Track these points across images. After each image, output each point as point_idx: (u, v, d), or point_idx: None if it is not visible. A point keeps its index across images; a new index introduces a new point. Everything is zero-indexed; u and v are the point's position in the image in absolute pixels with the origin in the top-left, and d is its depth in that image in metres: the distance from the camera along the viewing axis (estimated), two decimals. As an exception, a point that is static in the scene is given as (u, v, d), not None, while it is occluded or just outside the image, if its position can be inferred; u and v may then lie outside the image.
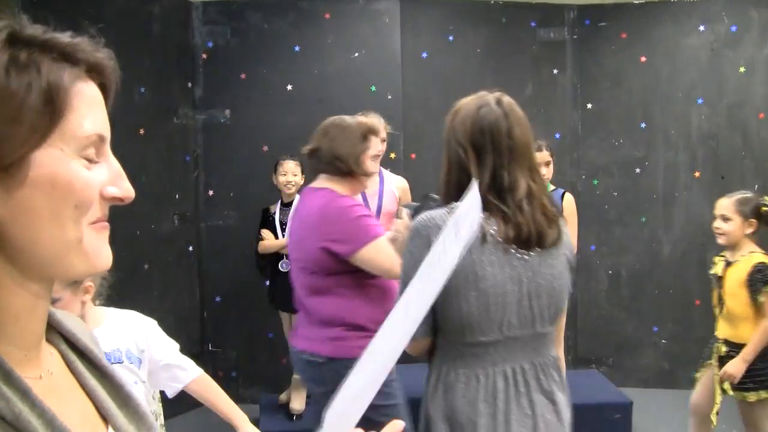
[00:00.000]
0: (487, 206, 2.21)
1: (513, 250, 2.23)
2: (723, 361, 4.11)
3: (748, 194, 4.15)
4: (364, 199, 4.81)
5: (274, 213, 5.45)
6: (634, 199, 6.44)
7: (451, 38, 6.30)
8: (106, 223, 0.94)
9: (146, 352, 2.76)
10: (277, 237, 5.37)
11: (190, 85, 5.98)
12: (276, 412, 5.42)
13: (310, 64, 6.03)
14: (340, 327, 3.17)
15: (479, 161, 2.27)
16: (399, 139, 5.83)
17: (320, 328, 3.22)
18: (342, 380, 1.12)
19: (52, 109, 0.86)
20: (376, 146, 3.45)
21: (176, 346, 2.86)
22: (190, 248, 5.98)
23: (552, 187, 5.02)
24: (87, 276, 0.93)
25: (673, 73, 6.35)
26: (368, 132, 3.36)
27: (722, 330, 4.17)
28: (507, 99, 2.38)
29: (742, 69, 6.24)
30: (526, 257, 2.25)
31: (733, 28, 6.24)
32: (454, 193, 2.28)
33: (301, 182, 5.48)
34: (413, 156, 6.12)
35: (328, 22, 6.04)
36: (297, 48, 6.03)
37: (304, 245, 3.22)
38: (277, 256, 5.32)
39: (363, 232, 3.11)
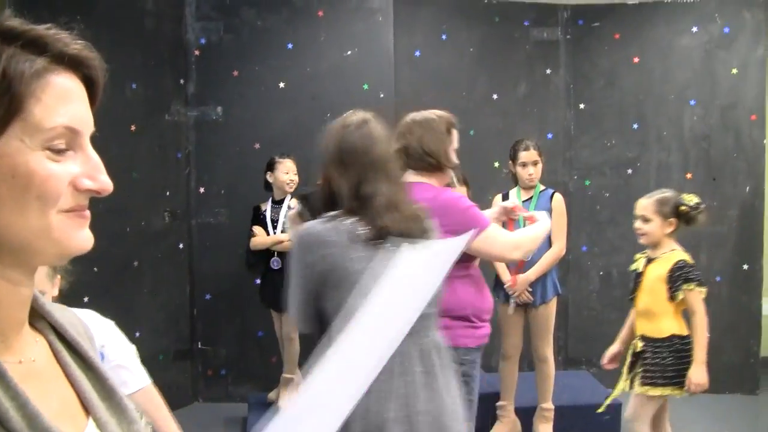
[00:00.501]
0: (354, 212, 2.55)
1: (381, 245, 2.49)
2: (638, 356, 4.09)
3: (668, 193, 4.20)
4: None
5: (266, 210, 5.44)
6: (626, 199, 6.41)
7: (444, 37, 6.30)
8: (85, 212, 0.94)
9: (105, 349, 2.73)
10: (268, 234, 5.36)
11: (182, 81, 5.96)
12: (265, 411, 5.40)
13: (303, 62, 6.01)
14: (448, 317, 3.27)
15: (342, 176, 2.57)
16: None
17: None
18: None
19: (10, 99, 0.86)
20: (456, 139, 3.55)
21: (133, 349, 2.84)
22: (181, 245, 5.95)
23: (542, 187, 5.01)
24: (62, 261, 0.94)
25: (666, 74, 6.36)
26: (450, 125, 3.47)
27: (639, 326, 4.15)
28: (371, 121, 2.74)
29: (734, 70, 6.25)
30: (394, 249, 2.39)
31: (726, 30, 6.25)
32: (329, 202, 2.61)
33: (297, 181, 5.48)
34: (405, 154, 6.11)
35: (321, 20, 6.02)
36: (290, 45, 6.02)
37: None
38: (268, 253, 5.31)
39: (476, 220, 3.23)
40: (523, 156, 4.94)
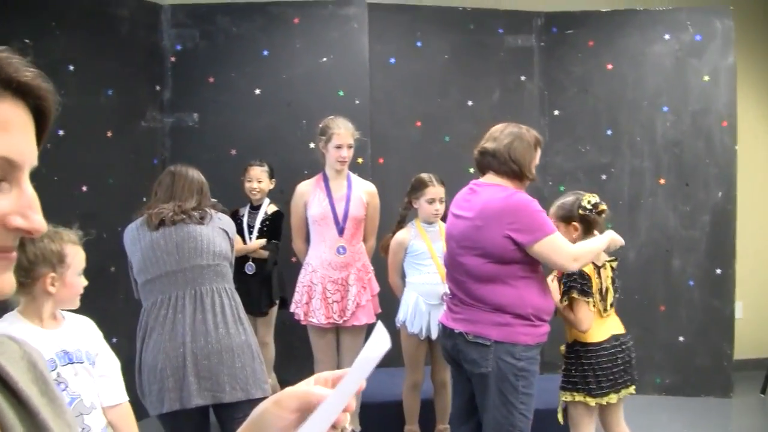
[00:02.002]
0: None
1: (157, 229, 3.60)
2: (564, 359, 4.10)
3: (568, 198, 4.06)
4: (331, 203, 4.82)
5: (243, 216, 5.45)
6: (599, 205, 6.49)
7: (419, 44, 6.34)
8: (11, 254, 0.87)
9: (98, 358, 2.74)
10: (245, 240, 5.37)
11: (158, 88, 5.95)
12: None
13: (279, 69, 6.03)
14: (510, 314, 3.52)
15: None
16: (366, 144, 5.83)
17: (489, 314, 3.55)
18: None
19: None
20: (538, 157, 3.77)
21: (118, 365, 2.85)
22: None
23: None
24: None
25: (639, 81, 6.43)
26: (538, 143, 3.71)
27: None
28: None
29: (706, 77, 6.32)
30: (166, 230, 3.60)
31: (698, 37, 6.32)
32: None
33: (267, 188, 5.49)
34: (381, 161, 6.14)
35: (296, 27, 6.04)
36: (265, 52, 6.03)
37: (481, 234, 3.53)
38: (243, 258, 5.31)
39: (543, 225, 3.48)
40: None
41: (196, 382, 3.42)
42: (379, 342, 1.12)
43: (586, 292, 3.88)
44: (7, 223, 0.84)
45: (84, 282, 2.72)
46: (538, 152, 3.72)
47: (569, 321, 3.96)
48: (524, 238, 3.44)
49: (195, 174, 3.88)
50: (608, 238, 3.83)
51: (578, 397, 3.97)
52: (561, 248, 3.50)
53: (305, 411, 1.08)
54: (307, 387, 1.12)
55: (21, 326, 2.53)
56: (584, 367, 3.95)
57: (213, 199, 4.02)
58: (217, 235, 3.69)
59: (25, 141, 0.87)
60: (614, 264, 4.15)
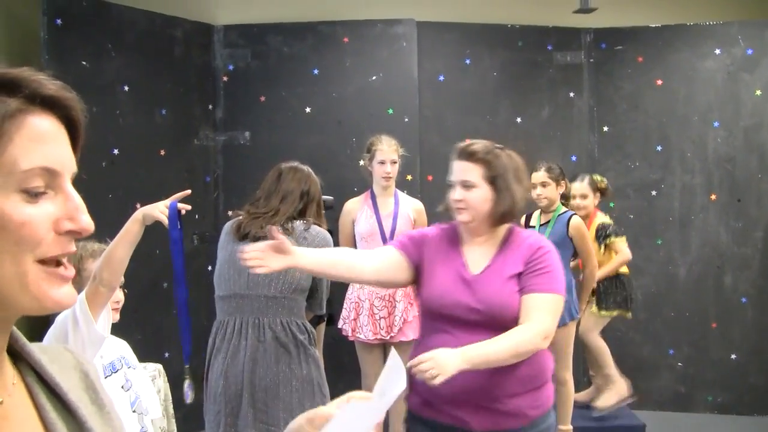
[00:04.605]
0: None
1: (241, 240, 3.48)
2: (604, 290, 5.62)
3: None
4: (378, 220, 4.86)
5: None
6: (650, 221, 6.45)
7: (467, 61, 6.37)
8: (65, 273, 0.92)
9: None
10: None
11: (210, 107, 6.07)
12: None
13: (329, 87, 6.10)
14: None
15: None
16: (415, 161, 5.88)
17: None
18: None
19: None
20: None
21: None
22: (209, 268, 6.02)
23: (561, 210, 5.00)
24: (40, 313, 0.91)
25: (690, 96, 6.38)
26: None
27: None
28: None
29: (758, 92, 6.26)
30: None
31: (749, 51, 6.27)
32: None
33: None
34: (430, 178, 6.16)
35: (346, 46, 6.12)
36: (316, 71, 6.11)
37: None
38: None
39: None
40: (532, 177, 4.95)
41: (252, 413, 3.39)
42: (395, 381, 1.18)
43: (618, 233, 5.53)
44: (58, 228, 0.89)
45: (119, 296, 2.75)
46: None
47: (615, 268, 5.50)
48: None
49: (304, 175, 3.74)
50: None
51: (615, 312, 5.56)
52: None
53: None
54: (336, 407, 1.19)
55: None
56: (626, 290, 5.58)
57: (327, 197, 3.87)
58: None
59: (61, 150, 0.92)
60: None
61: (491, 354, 2.55)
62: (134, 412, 2.74)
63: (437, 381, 2.38)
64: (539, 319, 2.65)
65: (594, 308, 5.53)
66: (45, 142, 0.89)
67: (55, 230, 0.89)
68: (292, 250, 2.63)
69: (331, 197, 4.38)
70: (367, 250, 2.93)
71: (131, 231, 2.52)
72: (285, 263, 2.62)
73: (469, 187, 2.78)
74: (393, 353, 1.19)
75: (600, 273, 5.30)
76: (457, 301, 2.71)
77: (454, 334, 2.68)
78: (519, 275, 2.72)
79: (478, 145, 2.88)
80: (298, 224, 3.57)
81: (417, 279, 2.88)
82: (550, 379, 2.87)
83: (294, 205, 3.61)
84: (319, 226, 3.67)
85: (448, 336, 2.68)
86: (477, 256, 2.83)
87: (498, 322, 2.65)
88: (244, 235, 3.52)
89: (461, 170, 2.84)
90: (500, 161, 2.80)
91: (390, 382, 1.16)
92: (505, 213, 2.78)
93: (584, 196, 5.52)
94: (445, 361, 2.42)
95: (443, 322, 2.75)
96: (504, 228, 2.87)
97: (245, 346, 3.43)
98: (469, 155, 2.85)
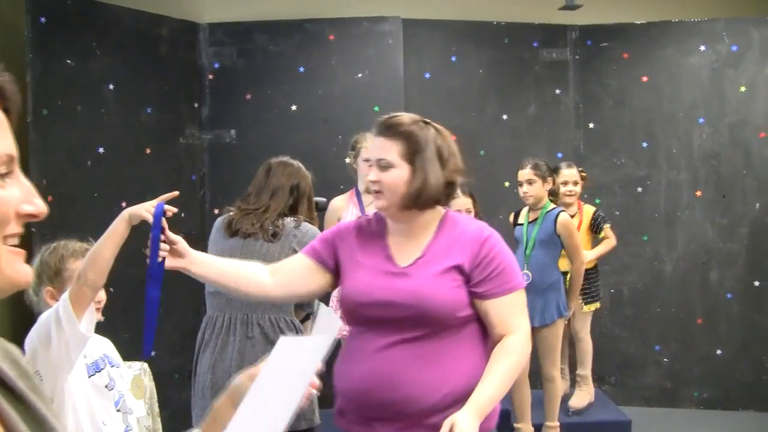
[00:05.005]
0: None
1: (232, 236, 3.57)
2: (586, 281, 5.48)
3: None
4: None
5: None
6: (636, 218, 6.47)
7: (453, 59, 6.37)
8: (20, 249, 0.96)
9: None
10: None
11: (196, 105, 6.05)
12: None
13: (315, 85, 6.10)
14: None
15: None
16: (403, 159, 5.86)
17: None
18: None
19: None
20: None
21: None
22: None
23: (550, 207, 4.98)
24: (8, 293, 0.93)
25: (675, 93, 6.41)
26: None
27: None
28: None
29: (743, 88, 6.29)
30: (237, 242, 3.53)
31: (734, 48, 6.30)
32: None
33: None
34: (417, 175, 6.15)
35: (332, 44, 6.11)
36: (302, 69, 6.11)
37: None
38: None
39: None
40: (518, 175, 4.96)
41: None
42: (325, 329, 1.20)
43: (606, 220, 5.70)
44: (20, 211, 0.94)
45: (101, 295, 2.72)
46: None
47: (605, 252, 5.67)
48: None
49: (293, 169, 3.73)
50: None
51: (598, 305, 5.73)
52: None
53: None
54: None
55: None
56: (599, 281, 5.73)
57: (320, 198, 3.89)
58: (286, 256, 3.17)
59: (10, 137, 0.96)
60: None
61: (497, 391, 2.32)
62: (119, 411, 2.72)
63: None
64: (517, 325, 2.42)
65: (583, 305, 5.57)
66: (2, 129, 0.95)
67: (16, 213, 0.94)
68: (188, 253, 2.55)
69: (325, 198, 4.38)
70: (277, 263, 2.69)
71: (118, 230, 2.51)
72: (177, 265, 2.55)
73: (386, 168, 2.42)
74: (322, 306, 1.21)
75: (592, 255, 5.53)
76: (377, 299, 2.40)
77: (378, 335, 2.41)
78: (459, 268, 2.41)
79: (400, 117, 2.52)
80: (289, 221, 3.58)
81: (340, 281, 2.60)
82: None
83: (284, 201, 3.61)
84: (311, 223, 3.67)
85: (371, 335, 2.44)
86: (406, 246, 2.49)
87: (428, 319, 2.36)
88: (234, 232, 3.56)
89: (378, 147, 2.47)
90: (422, 136, 2.45)
91: (325, 325, 1.19)
92: (418, 195, 2.40)
93: (576, 183, 5.58)
94: (464, 428, 2.17)
95: (362, 323, 2.49)
96: (437, 213, 2.53)
97: (233, 342, 3.47)
98: (386, 129, 2.48)
